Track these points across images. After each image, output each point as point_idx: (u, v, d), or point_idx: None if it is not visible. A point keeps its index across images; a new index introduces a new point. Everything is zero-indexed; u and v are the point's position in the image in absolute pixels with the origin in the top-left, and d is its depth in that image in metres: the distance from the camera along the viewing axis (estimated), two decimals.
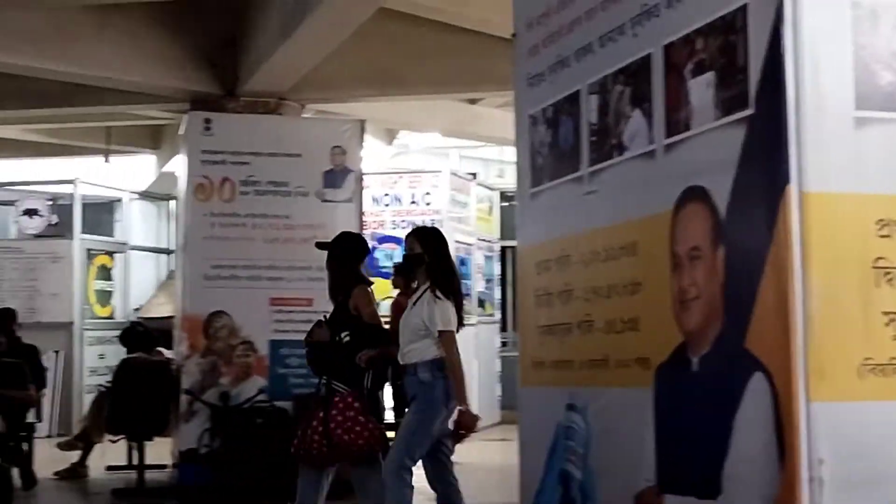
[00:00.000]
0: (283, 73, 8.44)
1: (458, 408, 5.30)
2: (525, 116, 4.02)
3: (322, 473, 5.59)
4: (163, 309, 13.21)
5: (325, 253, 5.82)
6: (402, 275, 7.87)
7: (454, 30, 8.73)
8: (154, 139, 13.27)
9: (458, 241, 12.09)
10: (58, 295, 12.72)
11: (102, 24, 8.61)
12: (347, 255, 5.92)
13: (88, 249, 13.24)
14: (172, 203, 14.32)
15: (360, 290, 5.72)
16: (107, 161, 13.19)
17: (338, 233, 6.28)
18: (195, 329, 8.52)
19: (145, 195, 14.64)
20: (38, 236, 13.25)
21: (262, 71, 8.39)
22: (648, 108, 3.18)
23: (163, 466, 8.86)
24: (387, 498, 5.27)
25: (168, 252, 14.81)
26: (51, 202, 13.60)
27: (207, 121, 8.55)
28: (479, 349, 12.19)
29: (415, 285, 5.75)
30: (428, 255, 5.47)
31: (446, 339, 5.29)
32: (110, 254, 13.83)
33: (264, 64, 8.26)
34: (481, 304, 12.98)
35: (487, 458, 9.60)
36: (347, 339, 5.58)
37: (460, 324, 5.48)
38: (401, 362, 5.41)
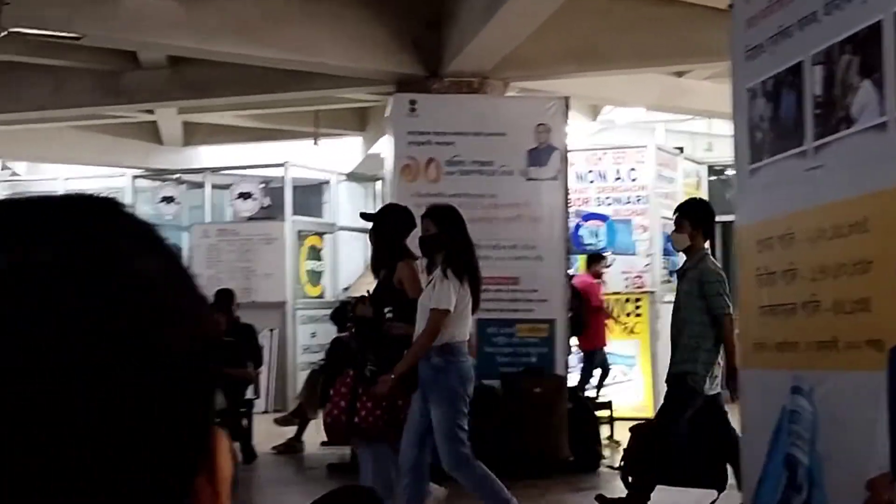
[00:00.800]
0: (486, 53, 8.44)
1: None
2: (743, 90, 3.87)
3: (375, 447, 5.42)
4: (371, 288, 13.49)
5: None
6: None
7: (660, 1, 8.53)
8: (360, 121, 13.53)
9: (664, 217, 11.86)
10: (271, 275, 13.16)
11: (310, 11, 8.80)
12: (392, 228, 5.69)
13: (299, 231, 13.62)
14: (378, 184, 14.61)
15: (404, 264, 5.52)
16: (315, 144, 13.53)
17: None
18: None
19: (352, 176, 14.96)
20: (251, 219, 13.73)
21: (466, 51, 8.41)
22: (879, 78, 3.01)
23: None
24: (477, 492, 5.21)
25: None
26: (263, 185, 14.09)
27: (413, 102, 8.65)
28: None
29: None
30: (444, 235, 5.30)
31: (433, 317, 5.07)
32: (320, 234, 14.19)
33: (468, 44, 8.27)
34: None
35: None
36: (390, 315, 5.41)
37: (476, 305, 5.31)
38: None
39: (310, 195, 14.83)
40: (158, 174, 14.67)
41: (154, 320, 0.61)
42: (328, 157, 14.33)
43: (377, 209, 5.97)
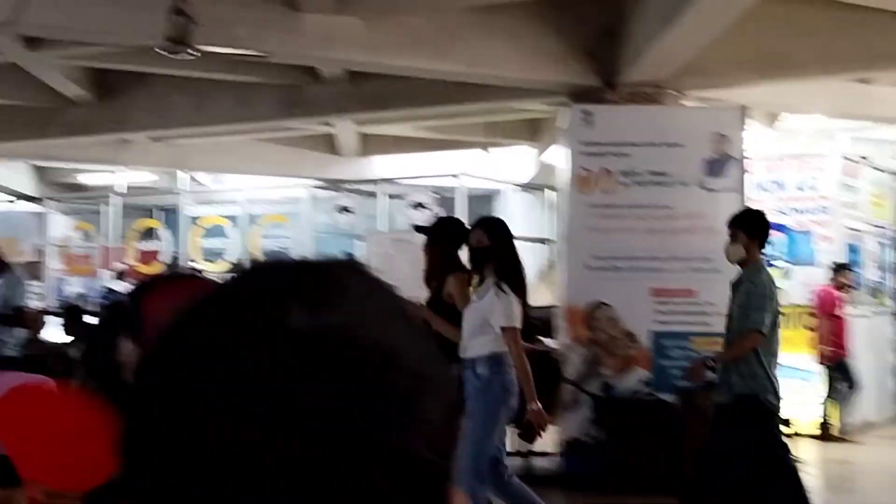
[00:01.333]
0: (663, 62, 8.33)
1: (530, 406, 5.10)
2: None
3: None
4: (543, 298, 13.46)
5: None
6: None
7: (845, 7, 8.25)
8: (532, 131, 13.53)
9: (848, 228, 11.48)
10: None
11: (484, 24, 8.86)
12: (445, 240, 5.73)
13: None
14: (551, 193, 14.59)
15: (453, 277, 5.54)
16: (487, 152, 13.60)
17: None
18: (577, 319, 8.62)
19: (524, 186, 14.98)
20: None
21: (642, 61, 8.32)
22: None
23: (549, 454, 9.03)
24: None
25: (547, 242, 15.09)
26: (436, 195, 14.25)
27: (587, 113, 8.62)
28: (872, 342, 11.54)
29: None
30: (495, 248, 5.28)
31: (509, 336, 5.08)
32: None
33: (644, 53, 8.19)
34: (874, 294, 12.26)
35: (881, 458, 9.06)
36: None
37: (526, 318, 5.28)
38: (461, 356, 5.18)
39: (482, 205, 14.90)
40: (335, 184, 15.01)
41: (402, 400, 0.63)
42: (500, 167, 14.38)
43: (435, 223, 6.12)
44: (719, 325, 8.34)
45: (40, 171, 16.68)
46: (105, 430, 2.24)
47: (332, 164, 14.71)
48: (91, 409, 2.28)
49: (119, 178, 16.63)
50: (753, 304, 6.14)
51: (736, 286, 6.44)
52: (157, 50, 7.16)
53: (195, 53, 7.22)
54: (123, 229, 16.20)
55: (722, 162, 8.51)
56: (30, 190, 16.59)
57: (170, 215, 16.52)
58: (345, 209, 14.92)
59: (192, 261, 15.72)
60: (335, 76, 10.55)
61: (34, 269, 15.88)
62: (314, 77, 10.64)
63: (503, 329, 5.13)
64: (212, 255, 15.87)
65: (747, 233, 6.34)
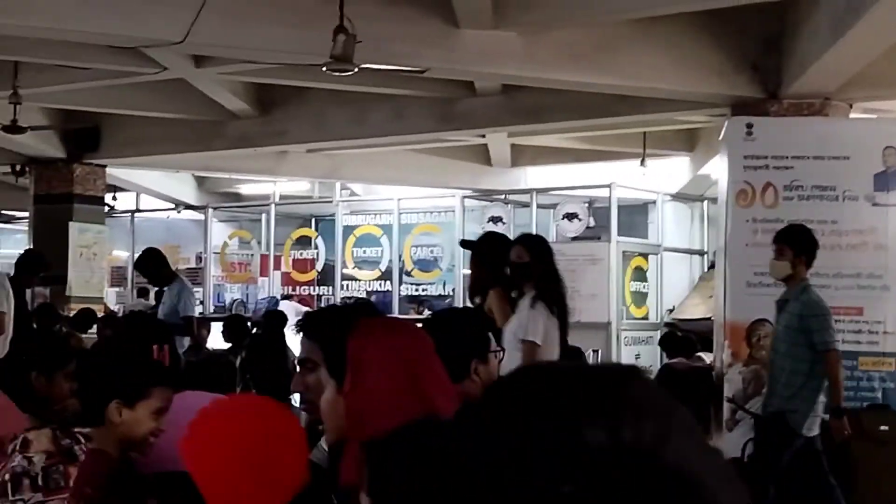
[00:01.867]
0: (831, 74, 8.10)
1: None
2: None
3: None
4: (697, 310, 13.25)
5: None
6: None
7: None
8: (689, 141, 13.34)
9: None
10: (596, 296, 13.16)
11: (643, 37, 8.77)
12: (488, 256, 5.70)
13: (624, 251, 13.57)
14: (705, 204, 14.33)
15: (494, 292, 5.51)
16: (643, 165, 13.45)
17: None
18: (737, 337, 8.43)
19: (678, 196, 14.76)
20: (576, 238, 13.82)
21: (809, 72, 8.10)
22: None
23: None
24: None
25: (701, 253, 14.84)
26: (588, 205, 14.17)
27: (749, 125, 8.42)
28: None
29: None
30: (535, 265, 5.23)
31: (526, 350, 5.01)
32: (644, 255, 14.09)
33: (812, 65, 7.97)
34: None
35: None
36: None
37: (564, 336, 5.20)
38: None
39: (634, 215, 14.77)
40: (487, 195, 15.07)
41: None
42: (654, 177, 14.20)
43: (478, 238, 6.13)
44: (890, 344, 8.10)
45: (202, 181, 17.22)
46: (294, 442, 2.28)
47: (485, 174, 14.77)
48: (279, 422, 2.33)
49: (276, 187, 17.05)
50: (815, 327, 5.96)
51: (782, 306, 6.22)
52: (322, 68, 7.30)
53: (355, 69, 7.35)
54: (280, 237, 16.60)
55: (892, 176, 8.22)
56: (192, 199, 17.14)
57: (324, 224, 16.85)
58: (496, 219, 14.96)
59: (345, 268, 15.99)
60: (490, 89, 10.60)
61: (196, 277, 16.40)
62: (469, 90, 10.70)
63: (521, 341, 5.09)
64: (364, 264, 16.12)
65: (794, 249, 6.16)
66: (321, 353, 2.34)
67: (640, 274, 13.99)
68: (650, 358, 12.60)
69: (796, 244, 6.21)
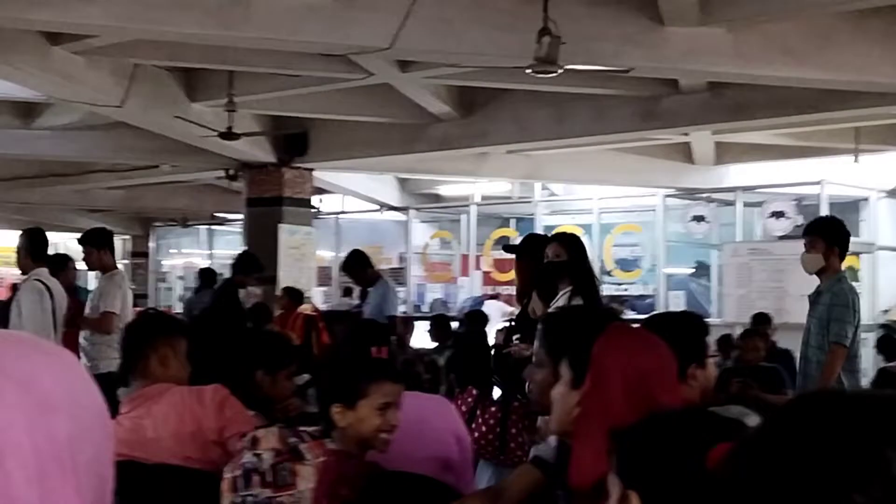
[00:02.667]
0: None
1: None
2: None
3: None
4: None
5: None
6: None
7: None
8: None
9: None
10: (805, 296, 12.74)
11: (856, 29, 8.44)
12: (532, 257, 5.73)
13: None
14: None
15: (536, 294, 5.55)
16: (856, 161, 12.94)
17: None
18: None
19: (894, 193, 14.15)
20: (783, 237, 13.43)
21: None
22: None
23: None
24: None
25: None
26: (796, 203, 13.74)
27: None
28: None
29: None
30: (571, 263, 5.32)
31: None
32: (857, 254, 13.56)
33: None
34: None
35: None
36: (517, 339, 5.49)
37: None
38: None
39: (846, 213, 14.21)
40: (689, 193, 14.81)
41: None
42: (867, 174, 13.65)
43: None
44: None
45: (404, 183, 17.55)
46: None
47: (687, 172, 14.51)
48: None
49: (476, 188, 17.21)
50: (834, 316, 5.79)
51: (815, 298, 6.03)
52: (526, 70, 7.32)
53: (560, 71, 7.34)
54: (480, 237, 16.75)
55: None
56: (395, 200, 17.49)
57: (524, 224, 16.90)
58: (699, 218, 14.69)
59: None
60: (695, 86, 10.40)
61: (398, 276, 16.74)
62: (673, 87, 10.54)
63: None
64: None
65: (827, 241, 5.93)
66: (563, 347, 2.45)
67: (852, 274, 13.46)
68: (864, 361, 12.10)
69: (828, 236, 6.00)
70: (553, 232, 6.44)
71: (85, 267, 8.37)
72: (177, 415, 3.78)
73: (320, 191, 15.89)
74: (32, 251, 7.35)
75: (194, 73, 11.21)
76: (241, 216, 15.29)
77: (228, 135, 11.03)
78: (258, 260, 10.66)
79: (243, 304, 10.31)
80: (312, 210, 15.17)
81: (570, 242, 5.71)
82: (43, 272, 7.27)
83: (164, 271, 22.00)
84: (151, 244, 21.86)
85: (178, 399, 3.83)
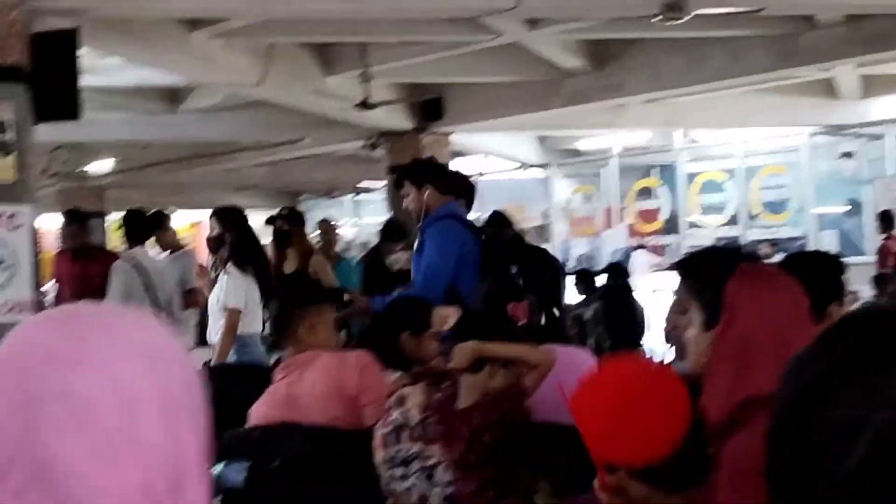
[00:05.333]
0: None
1: None
2: None
3: None
4: None
5: None
6: None
7: None
8: None
9: None
10: None
11: None
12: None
13: None
14: None
15: None
16: None
17: None
18: None
19: None
20: None
21: None
22: None
23: None
24: None
25: None
26: None
27: None
28: None
29: None
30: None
31: None
32: None
33: None
34: None
35: None
36: None
37: None
38: None
39: None
40: (835, 130, 14.40)
41: None
42: None
43: None
44: None
45: (543, 140, 17.53)
46: (677, 407, 2.39)
47: (831, 108, 14.10)
48: (665, 385, 2.46)
49: (615, 140, 17.09)
50: None
51: None
52: (653, 19, 7.26)
53: (689, 16, 7.24)
54: (622, 189, 16.65)
55: None
56: (535, 158, 17.50)
57: (666, 173, 16.73)
58: (847, 154, 14.30)
59: (691, 216, 15.80)
60: (832, 21, 10.10)
61: (542, 233, 16.79)
62: (809, 24, 10.26)
63: None
64: (710, 210, 15.89)
65: None
66: (696, 290, 2.48)
67: None
68: None
69: None
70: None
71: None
72: (325, 379, 3.95)
73: (459, 154, 16.01)
74: (127, 233, 7.89)
75: (328, 47, 11.42)
76: (383, 183, 15.53)
77: (365, 105, 11.22)
78: (403, 227, 10.83)
79: (390, 269, 10.50)
80: None
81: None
82: (138, 252, 7.67)
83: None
84: None
85: (327, 364, 4.00)
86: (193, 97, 13.34)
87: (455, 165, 15.65)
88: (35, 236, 7.27)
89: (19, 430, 1.06)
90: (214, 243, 6.56)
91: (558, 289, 4.69)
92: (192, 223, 21.60)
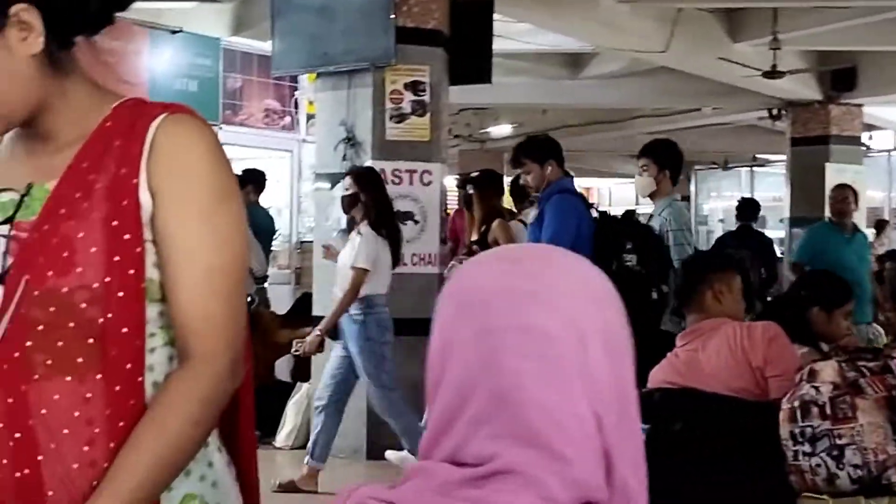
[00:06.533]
0: None
1: None
2: None
3: None
4: None
5: None
6: None
7: None
8: None
9: None
10: None
11: None
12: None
13: None
14: None
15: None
16: None
17: None
18: None
19: None
20: None
21: None
22: None
23: None
24: None
25: None
26: None
27: None
28: None
29: None
30: None
31: None
32: None
33: None
34: None
35: None
36: None
37: None
38: None
39: None
40: None
41: None
42: None
43: None
44: None
45: None
46: None
47: None
48: None
49: None
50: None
51: None
52: None
53: None
54: None
55: None
56: None
57: None
58: None
59: None
60: None
61: None
62: None
63: None
64: None
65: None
66: None
67: None
68: None
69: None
70: None
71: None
72: (728, 349, 3.88)
73: (870, 127, 15.16)
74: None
75: (737, 12, 11.12)
76: (783, 157, 14.98)
77: (772, 73, 10.85)
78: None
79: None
80: (863, 148, 14.51)
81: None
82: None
83: (705, 214, 22.15)
84: (692, 187, 22.07)
85: (731, 333, 3.91)
86: (595, 63, 13.46)
87: (865, 139, 14.87)
88: (443, 194, 7.65)
89: (483, 358, 1.11)
90: (348, 202, 6.59)
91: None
92: (584, 189, 21.91)
